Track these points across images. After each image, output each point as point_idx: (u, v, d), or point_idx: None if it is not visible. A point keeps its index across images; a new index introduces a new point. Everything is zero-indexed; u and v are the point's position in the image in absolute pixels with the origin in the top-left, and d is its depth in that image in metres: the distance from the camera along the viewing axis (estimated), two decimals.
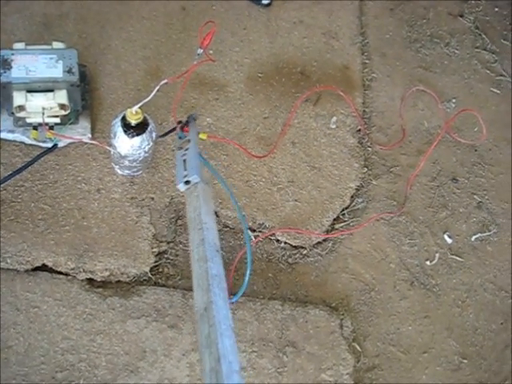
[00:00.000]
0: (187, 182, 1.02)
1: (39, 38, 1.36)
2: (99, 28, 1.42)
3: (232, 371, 0.76)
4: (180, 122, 1.13)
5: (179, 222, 1.28)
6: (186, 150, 1.07)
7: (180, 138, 1.12)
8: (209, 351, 0.78)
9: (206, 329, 0.81)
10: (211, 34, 1.09)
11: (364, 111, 1.49)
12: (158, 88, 1.09)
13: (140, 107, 1.11)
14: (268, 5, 1.55)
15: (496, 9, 1.74)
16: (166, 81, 1.09)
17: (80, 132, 1.26)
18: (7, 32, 1.38)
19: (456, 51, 1.63)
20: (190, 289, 1.21)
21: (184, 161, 1.04)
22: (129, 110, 1.10)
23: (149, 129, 1.14)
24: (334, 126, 1.43)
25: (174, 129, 1.15)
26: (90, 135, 1.27)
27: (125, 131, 1.12)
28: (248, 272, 1.08)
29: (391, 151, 1.45)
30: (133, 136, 1.12)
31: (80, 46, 1.32)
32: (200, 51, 1.09)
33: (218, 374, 0.75)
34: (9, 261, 1.17)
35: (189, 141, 1.09)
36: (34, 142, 1.25)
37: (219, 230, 1.28)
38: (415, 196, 1.41)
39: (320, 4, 1.59)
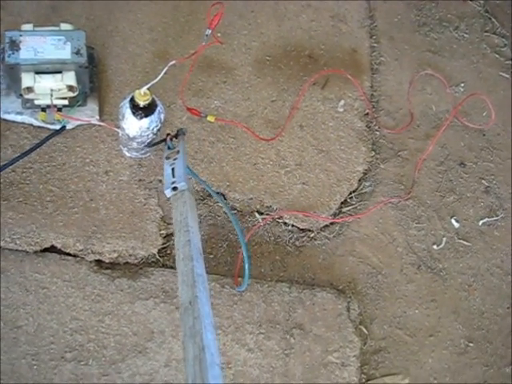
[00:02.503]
0: (175, 188, 1.06)
1: (46, 20, 1.36)
2: (107, 10, 1.42)
3: (214, 363, 0.78)
4: (169, 134, 1.17)
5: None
6: (175, 159, 1.11)
7: (169, 148, 1.16)
8: (193, 341, 0.81)
9: (191, 321, 0.84)
10: (219, 15, 1.08)
11: (372, 95, 1.48)
12: (165, 69, 1.09)
13: (148, 89, 1.10)
14: None
15: None
16: (173, 62, 1.09)
17: (88, 114, 1.26)
18: (14, 14, 1.37)
19: (465, 35, 1.62)
20: None
21: (172, 169, 1.08)
22: (137, 91, 1.10)
23: (157, 110, 1.14)
24: (341, 110, 1.43)
25: (164, 139, 1.18)
26: (98, 117, 1.27)
27: (133, 113, 1.12)
28: (247, 267, 1.10)
29: (399, 135, 1.45)
30: (141, 117, 1.12)
31: (88, 29, 1.31)
32: (208, 32, 1.09)
33: (201, 362, 0.78)
34: (18, 242, 1.17)
35: (178, 152, 1.13)
36: (42, 124, 1.25)
37: (227, 213, 1.29)
38: (423, 180, 1.41)
39: None
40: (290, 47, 1.48)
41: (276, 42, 1.47)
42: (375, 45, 1.55)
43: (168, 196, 1.07)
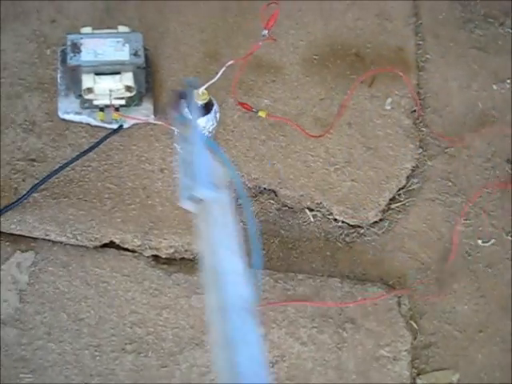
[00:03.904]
0: (193, 199, 0.70)
1: (101, 22, 1.40)
2: (158, 12, 1.45)
3: None
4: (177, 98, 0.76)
5: (239, 200, 1.31)
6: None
7: (179, 118, 0.76)
8: None
9: None
10: (275, 15, 1.11)
11: (418, 93, 1.49)
12: (223, 70, 1.12)
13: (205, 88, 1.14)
14: None
15: None
16: (231, 62, 1.12)
17: (144, 113, 1.30)
18: (70, 17, 1.42)
19: (511, 31, 1.61)
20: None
21: (187, 162, 0.70)
22: (195, 91, 1.13)
23: (214, 109, 1.17)
24: (389, 107, 1.44)
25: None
26: (153, 116, 1.30)
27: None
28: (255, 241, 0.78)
29: (445, 132, 1.45)
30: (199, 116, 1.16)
31: (140, 30, 1.35)
32: (265, 32, 1.12)
33: None
34: (79, 238, 1.22)
35: (188, 125, 0.73)
36: (99, 124, 1.28)
37: (278, 210, 1.32)
38: (470, 177, 1.42)
39: None
40: (337, 46, 1.49)
41: (323, 41, 1.49)
42: (421, 42, 1.55)
43: (185, 207, 0.72)
